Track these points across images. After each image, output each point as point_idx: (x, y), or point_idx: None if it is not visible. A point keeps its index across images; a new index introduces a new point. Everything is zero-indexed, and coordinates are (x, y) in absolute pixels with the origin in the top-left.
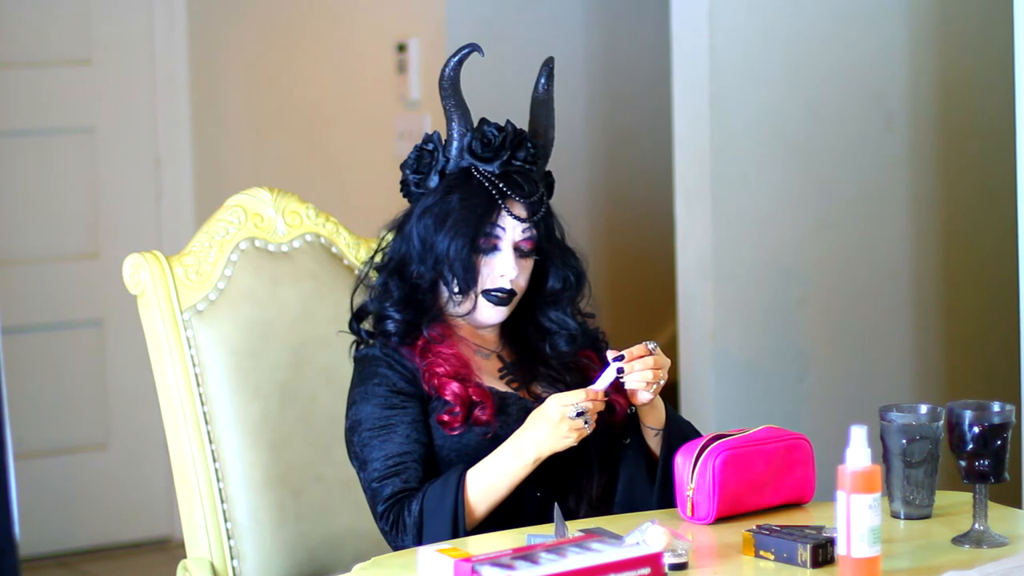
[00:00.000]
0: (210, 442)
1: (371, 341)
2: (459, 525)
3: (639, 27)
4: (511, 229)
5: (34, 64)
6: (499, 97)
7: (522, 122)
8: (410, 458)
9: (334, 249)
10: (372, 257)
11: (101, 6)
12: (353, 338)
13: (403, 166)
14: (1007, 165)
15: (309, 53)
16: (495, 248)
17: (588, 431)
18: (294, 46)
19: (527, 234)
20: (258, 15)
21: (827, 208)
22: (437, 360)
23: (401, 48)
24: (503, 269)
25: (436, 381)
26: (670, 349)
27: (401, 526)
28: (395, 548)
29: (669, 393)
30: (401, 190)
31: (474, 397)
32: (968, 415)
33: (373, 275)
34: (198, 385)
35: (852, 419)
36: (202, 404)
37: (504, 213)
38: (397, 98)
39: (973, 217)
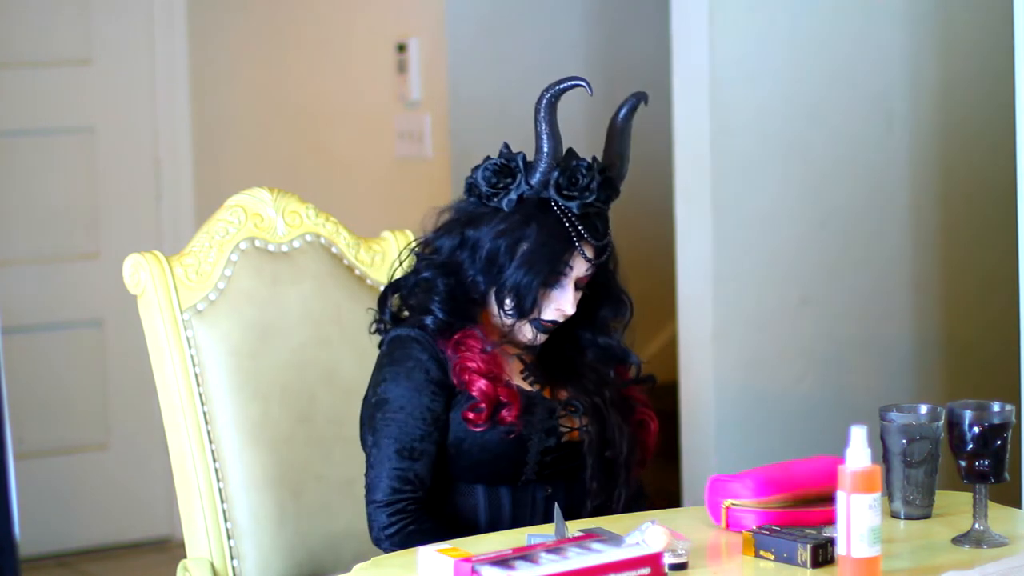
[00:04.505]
0: (210, 442)
1: (388, 324)
2: None
3: (639, 27)
4: (577, 267)
5: (34, 64)
6: (498, 97)
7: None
8: (424, 456)
9: (334, 249)
10: (415, 244)
11: (101, 6)
12: (373, 316)
13: (477, 170)
14: (1007, 165)
15: (309, 53)
16: (559, 283)
17: None
18: (294, 46)
19: (590, 272)
20: (258, 15)
21: (827, 208)
22: (470, 355)
23: (401, 48)
24: (562, 304)
25: (466, 376)
26: (670, 349)
27: (404, 533)
28: (374, 539)
29: (670, 393)
30: (467, 191)
31: (502, 397)
32: (968, 415)
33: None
34: (198, 385)
35: (852, 419)
36: (202, 404)
37: (577, 254)
38: (397, 98)
39: (973, 217)
